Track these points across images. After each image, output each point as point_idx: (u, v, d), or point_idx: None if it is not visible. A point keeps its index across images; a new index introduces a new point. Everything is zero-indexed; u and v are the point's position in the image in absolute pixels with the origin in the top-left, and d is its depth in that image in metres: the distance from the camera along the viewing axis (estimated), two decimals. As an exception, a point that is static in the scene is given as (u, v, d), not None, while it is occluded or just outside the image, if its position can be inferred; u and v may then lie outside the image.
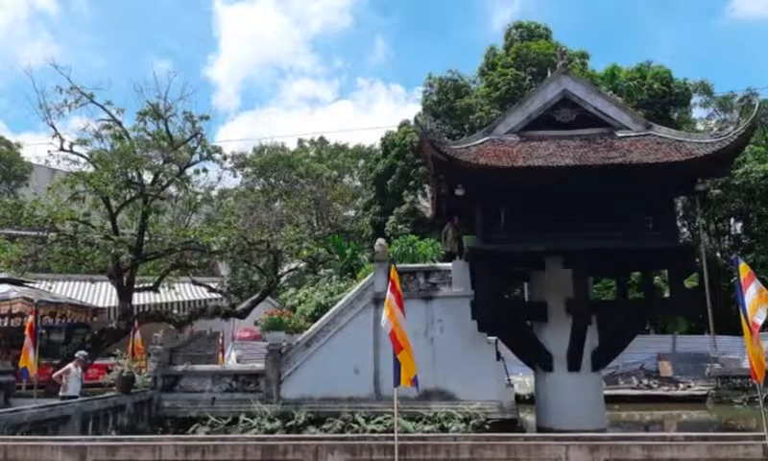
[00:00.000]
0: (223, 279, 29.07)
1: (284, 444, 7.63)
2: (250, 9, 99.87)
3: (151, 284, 19.02)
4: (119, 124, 17.97)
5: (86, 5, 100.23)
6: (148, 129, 18.21)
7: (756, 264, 26.28)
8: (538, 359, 15.25)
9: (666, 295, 19.44)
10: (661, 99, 33.97)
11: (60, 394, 13.27)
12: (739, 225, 34.88)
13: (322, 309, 23.04)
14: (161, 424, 14.83)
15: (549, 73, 16.27)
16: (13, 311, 16.84)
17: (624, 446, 7.19)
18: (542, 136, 14.85)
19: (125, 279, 17.30)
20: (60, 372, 13.77)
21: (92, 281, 22.19)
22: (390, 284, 8.55)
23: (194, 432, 13.87)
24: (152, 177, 17.98)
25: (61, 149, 17.31)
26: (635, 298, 20.46)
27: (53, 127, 17.12)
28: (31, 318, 13.72)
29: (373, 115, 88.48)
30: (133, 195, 17.58)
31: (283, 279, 30.17)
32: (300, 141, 54.82)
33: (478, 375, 14.48)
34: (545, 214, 13.95)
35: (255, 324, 21.96)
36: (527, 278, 17.74)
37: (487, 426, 13.37)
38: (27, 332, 13.22)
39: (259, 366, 15.90)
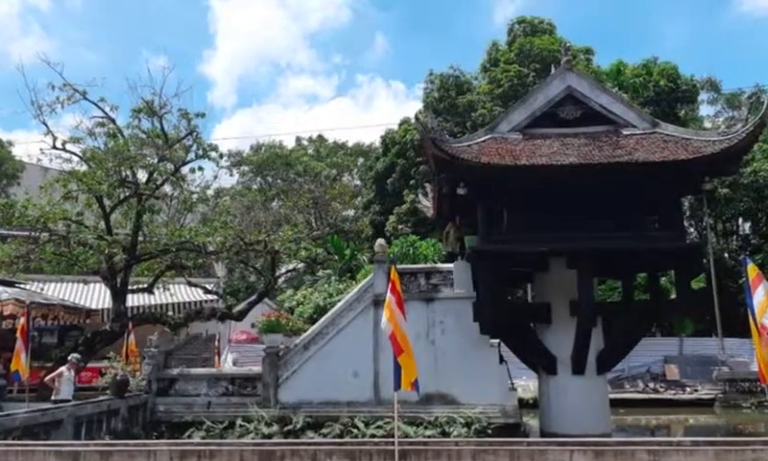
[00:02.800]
0: (219, 280, 28.80)
1: (282, 449, 7.64)
2: (247, 4, 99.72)
3: (145, 286, 18.84)
4: (113, 121, 17.75)
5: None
6: (142, 126, 18.02)
7: (765, 265, 25.97)
8: (541, 362, 15.09)
9: (673, 296, 19.24)
10: (668, 96, 33.70)
11: (53, 398, 13.09)
12: (748, 225, 34.78)
13: (320, 311, 22.84)
14: (156, 428, 14.70)
15: (553, 69, 16.15)
16: (5, 313, 16.68)
17: (629, 451, 7.18)
18: (546, 134, 14.80)
19: (119, 280, 17.08)
20: (52, 375, 13.62)
21: (85, 283, 22.00)
22: (390, 285, 8.58)
23: (189, 437, 13.70)
24: (146, 175, 17.76)
25: (54, 147, 17.05)
26: (640, 299, 20.28)
27: (45, 124, 16.86)
28: (22, 320, 13.58)
29: (373, 113, 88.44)
30: (127, 194, 17.39)
31: (281, 280, 29.95)
32: (299, 139, 54.60)
33: (480, 378, 14.31)
34: (549, 214, 13.85)
35: (252, 326, 21.67)
36: (530, 279, 17.57)
37: (489, 431, 13.27)
38: (18, 335, 13.07)
39: (256, 369, 15.75)
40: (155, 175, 17.68)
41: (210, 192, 24.92)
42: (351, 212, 45.17)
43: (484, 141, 14.60)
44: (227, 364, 23.51)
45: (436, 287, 15.27)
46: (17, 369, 12.78)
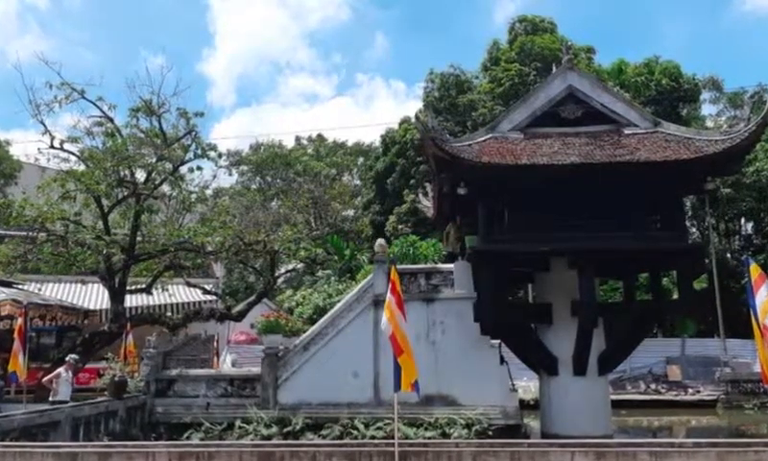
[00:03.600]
0: (218, 280, 28.80)
1: (281, 450, 7.57)
2: (246, 3, 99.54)
3: (144, 286, 18.80)
4: (111, 121, 17.71)
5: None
6: (141, 126, 18.04)
7: (768, 265, 25.96)
8: (542, 363, 15.01)
9: (675, 297, 19.14)
10: (670, 95, 33.67)
11: (51, 399, 13.08)
12: (750, 224, 34.71)
13: (320, 312, 22.75)
14: (154, 429, 14.63)
15: (554, 68, 16.06)
16: (2, 314, 16.55)
17: (631, 452, 7.14)
18: (547, 134, 14.70)
19: (117, 280, 17.05)
20: (50, 376, 13.61)
21: (83, 283, 21.98)
22: (390, 286, 8.48)
23: (188, 438, 13.61)
24: (144, 175, 17.74)
25: (51, 146, 17.01)
26: (642, 299, 20.20)
27: (43, 124, 16.81)
28: (20, 321, 13.55)
29: (373, 112, 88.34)
30: (126, 194, 17.37)
31: (280, 280, 29.85)
32: (298, 138, 54.47)
33: (481, 379, 14.20)
34: (550, 213, 13.77)
35: (252, 326, 21.65)
36: (531, 279, 17.48)
37: (490, 432, 13.16)
38: (16, 335, 13.02)
39: (255, 370, 15.64)
40: (153, 174, 17.64)
41: (209, 192, 24.77)
42: (351, 212, 45.10)
43: (484, 141, 14.51)
44: (225, 365, 23.41)
45: (436, 287, 15.16)
46: (15, 370, 12.71)
